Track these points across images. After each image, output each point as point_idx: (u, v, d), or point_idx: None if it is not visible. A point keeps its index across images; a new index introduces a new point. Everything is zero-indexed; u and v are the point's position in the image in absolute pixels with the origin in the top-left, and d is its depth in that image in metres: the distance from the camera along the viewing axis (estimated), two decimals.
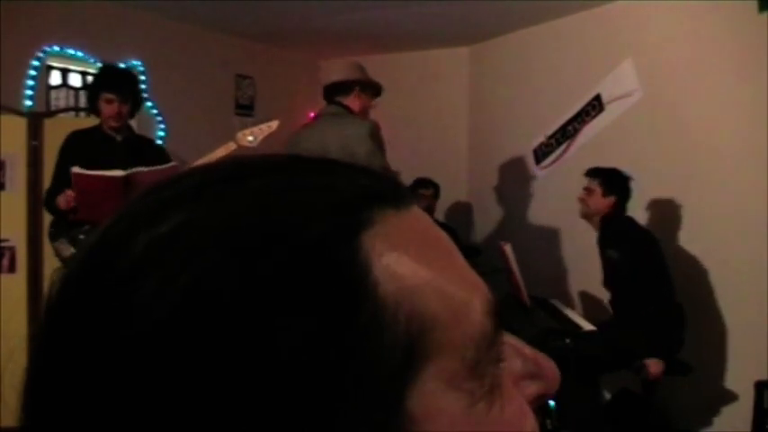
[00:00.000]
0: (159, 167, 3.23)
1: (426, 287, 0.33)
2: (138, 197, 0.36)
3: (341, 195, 0.34)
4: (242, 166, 0.36)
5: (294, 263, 0.31)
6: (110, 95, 3.30)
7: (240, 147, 3.47)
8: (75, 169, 3.10)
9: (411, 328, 0.31)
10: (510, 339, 0.37)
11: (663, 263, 3.50)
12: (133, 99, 3.40)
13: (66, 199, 3.16)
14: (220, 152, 3.45)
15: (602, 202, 3.60)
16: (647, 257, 3.47)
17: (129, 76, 3.54)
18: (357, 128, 3.28)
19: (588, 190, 3.65)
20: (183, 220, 0.33)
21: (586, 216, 3.68)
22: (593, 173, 3.67)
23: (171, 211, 0.33)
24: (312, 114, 3.51)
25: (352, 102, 3.44)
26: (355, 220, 0.33)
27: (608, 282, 3.68)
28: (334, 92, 3.46)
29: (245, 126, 3.77)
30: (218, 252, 0.31)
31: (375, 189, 0.35)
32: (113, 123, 3.34)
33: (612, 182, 3.61)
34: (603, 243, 3.63)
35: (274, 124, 3.50)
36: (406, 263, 0.33)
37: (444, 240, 0.37)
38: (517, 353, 0.38)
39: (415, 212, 0.36)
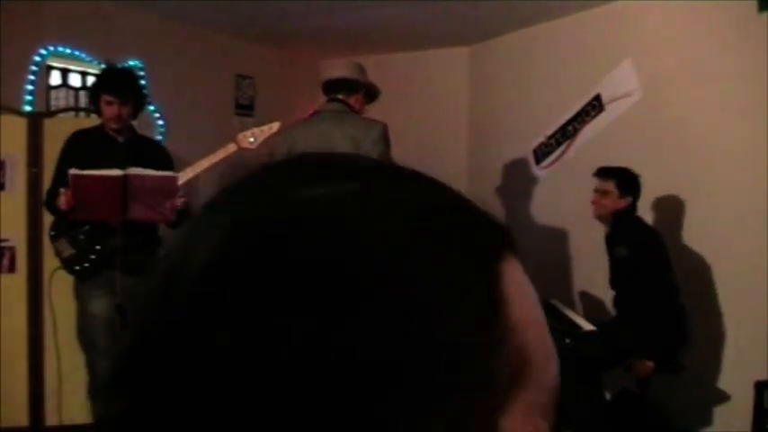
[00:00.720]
0: (159, 174, 3.22)
1: (535, 327, 0.37)
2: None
3: (484, 220, 0.38)
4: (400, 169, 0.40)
5: (449, 264, 0.34)
6: (109, 97, 3.30)
7: (240, 148, 3.47)
8: (73, 171, 3.10)
9: (520, 357, 0.35)
10: None
11: (668, 263, 3.49)
12: (135, 100, 3.39)
13: (66, 199, 3.15)
14: (220, 154, 3.45)
15: (619, 204, 3.54)
16: (654, 255, 3.46)
17: (130, 78, 3.52)
18: (369, 129, 3.27)
19: (603, 192, 3.57)
20: (368, 204, 0.35)
21: (601, 218, 3.63)
22: (606, 173, 3.59)
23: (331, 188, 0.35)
24: (310, 112, 3.45)
25: (355, 102, 3.43)
26: (499, 248, 0.37)
27: (614, 280, 3.66)
28: (338, 89, 3.41)
29: (245, 126, 3.77)
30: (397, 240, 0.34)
31: (504, 228, 0.40)
32: (113, 125, 3.34)
33: (627, 182, 3.56)
34: (612, 241, 3.59)
35: (275, 126, 3.49)
36: (526, 299, 0.37)
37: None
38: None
39: (519, 263, 0.40)
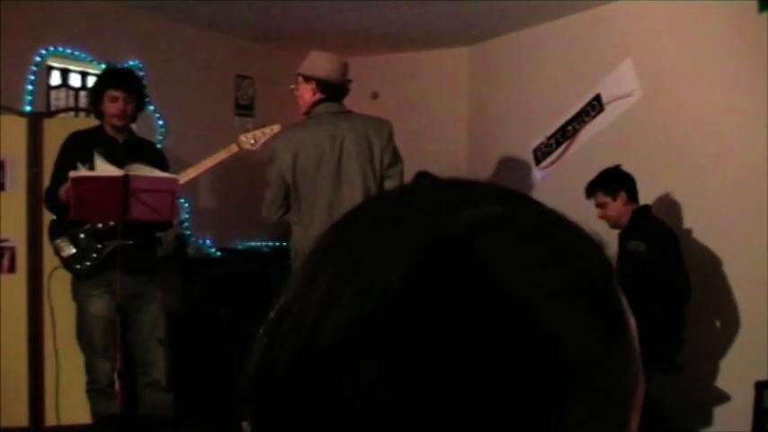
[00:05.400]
0: (159, 176, 3.22)
1: (634, 331, 0.40)
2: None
3: (598, 245, 0.42)
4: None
5: (589, 279, 0.38)
6: (115, 92, 3.29)
7: (242, 150, 3.48)
8: (73, 173, 3.09)
9: (638, 359, 0.39)
10: None
11: (683, 267, 3.47)
12: (138, 97, 3.40)
13: (67, 191, 3.14)
14: (222, 155, 3.46)
15: (618, 206, 3.58)
16: (670, 256, 3.44)
17: (133, 75, 3.55)
18: (381, 128, 3.24)
19: (600, 205, 3.62)
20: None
21: (616, 226, 3.62)
22: (590, 189, 3.65)
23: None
24: (307, 113, 3.35)
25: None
26: (611, 266, 0.41)
27: (622, 276, 3.62)
28: (331, 90, 3.30)
29: (245, 126, 3.77)
30: (538, 254, 0.38)
31: (605, 248, 0.43)
32: (117, 122, 3.33)
33: (610, 183, 3.60)
34: (627, 235, 3.56)
35: (276, 127, 3.49)
36: (628, 310, 0.41)
37: None
38: None
39: None
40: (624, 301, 0.40)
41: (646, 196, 3.73)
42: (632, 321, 0.40)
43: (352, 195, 3.15)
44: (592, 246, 0.41)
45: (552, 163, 5.10)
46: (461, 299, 0.35)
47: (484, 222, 0.38)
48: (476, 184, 0.43)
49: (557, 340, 0.35)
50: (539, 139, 5.18)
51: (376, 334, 0.35)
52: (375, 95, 5.86)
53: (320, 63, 3.29)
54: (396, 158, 3.27)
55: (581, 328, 0.36)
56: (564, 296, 0.36)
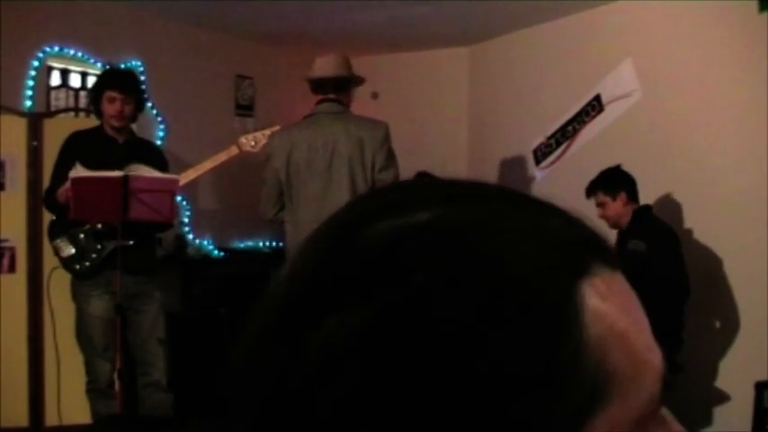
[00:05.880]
0: (159, 176, 3.22)
1: (619, 341, 0.37)
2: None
3: (568, 237, 0.39)
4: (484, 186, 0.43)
5: (519, 287, 0.35)
6: (113, 94, 3.30)
7: (242, 152, 3.49)
8: (73, 173, 3.09)
9: (599, 371, 0.35)
10: (665, 410, 0.42)
11: (683, 267, 3.47)
12: (137, 98, 3.40)
13: (65, 193, 3.15)
14: (222, 156, 3.47)
15: (618, 206, 3.58)
16: (671, 255, 3.44)
17: (132, 76, 3.55)
18: (374, 130, 3.24)
19: (600, 205, 3.62)
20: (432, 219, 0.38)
21: (616, 226, 3.63)
22: (591, 189, 3.65)
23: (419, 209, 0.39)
24: (307, 113, 3.39)
25: (347, 97, 3.40)
26: (579, 264, 0.37)
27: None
28: (330, 87, 3.34)
29: (245, 126, 3.78)
30: (456, 258, 0.36)
31: (598, 243, 0.40)
32: (116, 123, 3.33)
33: (610, 183, 3.61)
34: (627, 236, 3.56)
35: (276, 129, 3.50)
36: (609, 315, 0.37)
37: (638, 305, 0.41)
38: (665, 423, 0.43)
39: (620, 276, 0.40)
40: (586, 308, 0.36)
41: (646, 196, 3.73)
42: (594, 332, 0.36)
43: (341, 196, 3.16)
44: (537, 251, 0.37)
45: (552, 163, 5.10)
46: (357, 300, 0.36)
47: (400, 232, 0.38)
48: (424, 189, 0.43)
49: (470, 349, 0.34)
50: (539, 139, 5.17)
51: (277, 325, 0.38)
52: (375, 95, 5.86)
53: (313, 66, 3.35)
54: (389, 162, 3.26)
55: (499, 339, 0.34)
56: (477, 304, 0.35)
